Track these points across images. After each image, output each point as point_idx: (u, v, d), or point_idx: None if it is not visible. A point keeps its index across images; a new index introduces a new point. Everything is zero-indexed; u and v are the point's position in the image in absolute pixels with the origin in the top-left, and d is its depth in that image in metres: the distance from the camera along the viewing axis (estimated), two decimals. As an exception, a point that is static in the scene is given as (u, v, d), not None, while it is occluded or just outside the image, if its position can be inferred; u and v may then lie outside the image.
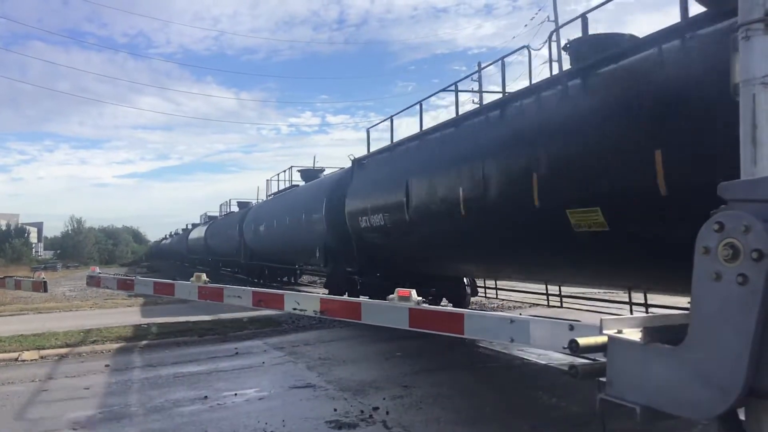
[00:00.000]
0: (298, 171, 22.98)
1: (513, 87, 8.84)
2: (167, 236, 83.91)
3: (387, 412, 6.62)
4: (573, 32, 7.35)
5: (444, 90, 10.53)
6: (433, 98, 25.47)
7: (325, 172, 20.89)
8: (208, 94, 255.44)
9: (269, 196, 26.79)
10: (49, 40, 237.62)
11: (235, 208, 35.18)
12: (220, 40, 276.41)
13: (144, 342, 11.63)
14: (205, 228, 41.32)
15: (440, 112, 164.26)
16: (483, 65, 8.59)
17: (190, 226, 57.71)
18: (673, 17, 5.54)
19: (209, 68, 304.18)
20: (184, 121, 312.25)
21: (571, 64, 7.19)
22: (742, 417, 2.10)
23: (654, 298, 8.68)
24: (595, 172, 6.07)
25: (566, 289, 11.27)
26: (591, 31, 7.01)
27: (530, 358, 9.38)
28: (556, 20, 35.24)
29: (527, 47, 8.69)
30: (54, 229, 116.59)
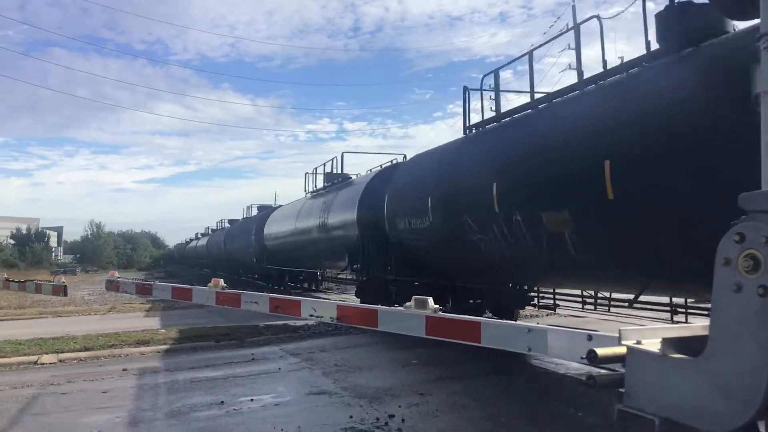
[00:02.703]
0: (256, 207, 34.95)
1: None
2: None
3: (403, 420, 6.61)
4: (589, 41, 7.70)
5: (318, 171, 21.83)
6: (450, 106, 26.48)
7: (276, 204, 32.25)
8: (224, 100, 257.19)
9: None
10: (69, 47, 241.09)
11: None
12: (237, 47, 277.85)
13: (161, 346, 11.72)
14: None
15: (457, 119, 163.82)
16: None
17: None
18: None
19: (226, 75, 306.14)
20: (201, 127, 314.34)
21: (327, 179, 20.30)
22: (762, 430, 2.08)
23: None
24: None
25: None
26: (606, 39, 7.70)
27: (548, 367, 9.31)
28: (576, 28, 35.05)
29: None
30: (73, 233, 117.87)
